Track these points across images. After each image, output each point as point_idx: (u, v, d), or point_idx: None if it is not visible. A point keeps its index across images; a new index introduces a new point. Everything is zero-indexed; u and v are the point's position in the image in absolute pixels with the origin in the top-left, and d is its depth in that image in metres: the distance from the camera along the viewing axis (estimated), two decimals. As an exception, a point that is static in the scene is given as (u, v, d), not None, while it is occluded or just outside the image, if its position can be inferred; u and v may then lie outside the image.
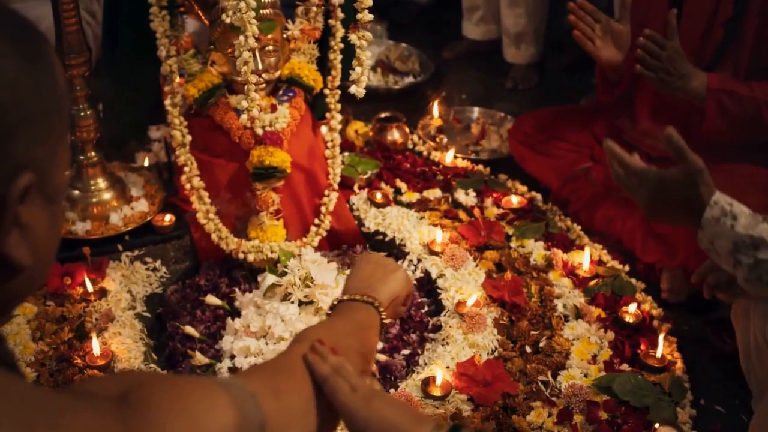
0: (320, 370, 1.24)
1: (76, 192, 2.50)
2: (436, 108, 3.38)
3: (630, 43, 2.54)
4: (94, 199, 2.50)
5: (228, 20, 2.06)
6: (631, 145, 2.80)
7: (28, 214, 0.86)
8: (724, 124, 2.44)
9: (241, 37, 2.06)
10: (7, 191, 0.83)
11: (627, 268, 2.56)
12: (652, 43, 2.38)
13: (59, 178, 0.91)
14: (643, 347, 2.26)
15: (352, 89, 2.35)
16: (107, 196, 2.52)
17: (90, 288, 2.32)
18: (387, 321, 1.46)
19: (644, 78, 2.45)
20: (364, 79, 2.35)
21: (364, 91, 2.36)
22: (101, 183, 2.52)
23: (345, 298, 1.47)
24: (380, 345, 2.27)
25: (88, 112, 2.42)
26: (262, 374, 1.23)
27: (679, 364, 2.23)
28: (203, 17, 2.39)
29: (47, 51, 0.90)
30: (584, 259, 2.54)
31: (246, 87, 2.15)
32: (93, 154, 2.50)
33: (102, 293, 2.32)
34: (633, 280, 2.52)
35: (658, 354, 2.22)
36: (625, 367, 2.20)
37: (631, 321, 2.34)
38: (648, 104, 2.76)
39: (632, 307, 2.37)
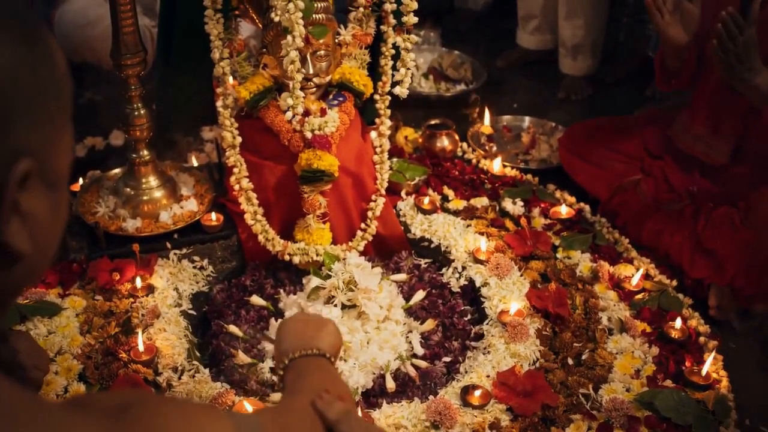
0: (331, 414, 1.26)
1: (128, 189, 2.54)
2: (487, 115, 3.37)
3: (696, 28, 2.50)
4: (145, 197, 2.54)
5: (277, 19, 2.09)
6: (684, 152, 2.78)
7: (29, 202, 0.84)
8: None
9: (289, 37, 2.10)
10: (6, 177, 0.81)
11: (674, 283, 2.53)
12: (732, 23, 2.34)
13: (61, 165, 0.89)
14: (688, 364, 2.23)
15: (396, 90, 2.40)
16: (158, 194, 2.56)
17: (138, 284, 2.36)
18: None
19: (715, 58, 2.40)
20: (407, 80, 2.40)
21: (407, 91, 2.39)
22: (153, 181, 2.56)
23: (297, 355, 1.43)
24: (421, 351, 2.28)
25: (142, 111, 2.45)
26: (274, 412, 1.24)
27: (725, 382, 2.19)
28: (257, 21, 2.43)
29: (46, 36, 0.88)
30: (635, 276, 2.51)
31: (291, 85, 2.17)
32: (146, 152, 2.53)
33: (149, 290, 2.36)
34: (680, 296, 2.49)
35: (704, 371, 2.19)
36: (668, 383, 2.17)
37: (676, 337, 2.31)
38: (704, 109, 2.72)
39: (678, 323, 2.33)
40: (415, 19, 2.34)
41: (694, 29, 2.50)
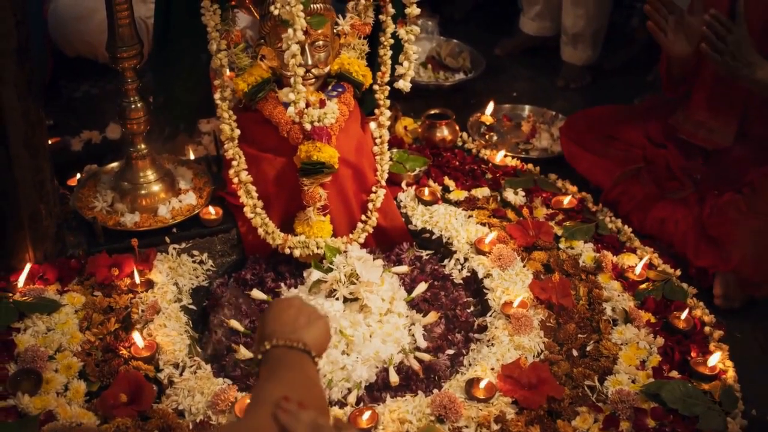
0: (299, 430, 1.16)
1: (126, 184, 2.52)
2: (490, 107, 3.34)
3: (699, 39, 2.48)
4: (143, 191, 2.51)
5: (276, 12, 2.06)
6: (685, 140, 2.76)
7: None
8: None
9: (290, 30, 2.07)
10: None
11: (679, 272, 2.51)
12: (718, 24, 2.33)
13: None
14: (693, 354, 2.21)
15: (399, 84, 2.38)
16: (156, 188, 2.53)
17: (137, 279, 2.33)
18: (318, 369, 1.38)
19: (710, 60, 2.41)
20: (410, 73, 2.39)
21: (410, 85, 2.38)
22: (150, 175, 2.53)
23: (280, 343, 1.37)
24: (425, 344, 2.26)
25: (139, 105, 2.42)
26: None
27: (731, 372, 2.17)
28: (254, 11, 2.39)
29: None
30: (638, 264, 2.48)
31: (293, 79, 2.14)
32: (143, 146, 2.51)
33: (149, 285, 2.34)
34: (685, 285, 2.47)
35: (710, 362, 2.17)
36: (674, 374, 2.15)
37: (682, 327, 2.29)
38: (704, 95, 2.70)
39: (684, 314, 2.31)
40: (418, 11, 2.32)
41: (697, 41, 2.47)
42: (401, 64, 2.40)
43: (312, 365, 1.38)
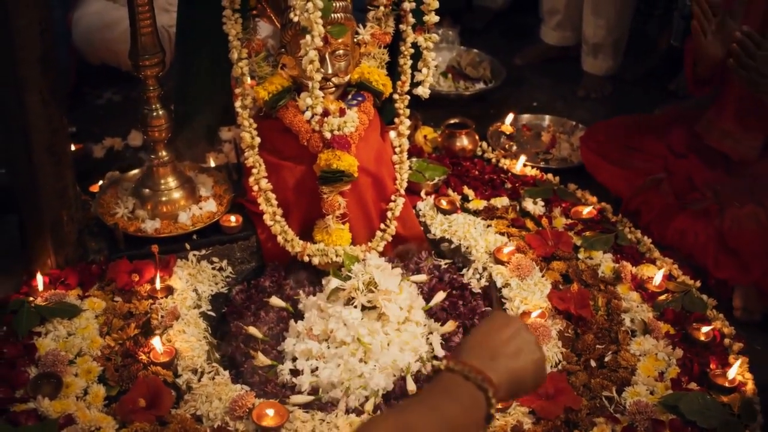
0: None
1: (147, 190, 2.54)
2: (510, 117, 3.34)
3: (732, 43, 2.49)
4: (163, 198, 2.53)
5: (295, 19, 2.08)
6: (709, 150, 2.74)
7: None
8: None
9: (308, 36, 2.08)
10: None
11: (698, 283, 2.49)
12: (749, 40, 2.33)
13: None
14: (712, 366, 2.20)
15: (418, 90, 2.40)
16: (177, 195, 2.55)
17: (157, 285, 2.35)
18: (493, 414, 1.14)
19: (736, 75, 2.40)
20: (429, 80, 2.40)
21: (429, 91, 2.40)
22: (171, 182, 2.55)
23: (455, 367, 1.15)
24: (442, 353, 2.26)
25: (161, 112, 2.44)
26: None
27: (750, 385, 2.16)
28: (275, 20, 2.41)
29: None
30: (657, 275, 2.48)
31: (311, 84, 2.16)
32: (164, 153, 2.53)
33: (168, 291, 2.35)
34: (704, 297, 2.45)
35: (729, 374, 2.15)
36: (693, 386, 2.14)
37: (701, 338, 2.28)
38: (733, 106, 2.69)
39: (705, 329, 2.30)
40: (437, 18, 2.33)
41: (729, 44, 2.47)
42: (420, 71, 2.42)
43: (478, 409, 1.13)
